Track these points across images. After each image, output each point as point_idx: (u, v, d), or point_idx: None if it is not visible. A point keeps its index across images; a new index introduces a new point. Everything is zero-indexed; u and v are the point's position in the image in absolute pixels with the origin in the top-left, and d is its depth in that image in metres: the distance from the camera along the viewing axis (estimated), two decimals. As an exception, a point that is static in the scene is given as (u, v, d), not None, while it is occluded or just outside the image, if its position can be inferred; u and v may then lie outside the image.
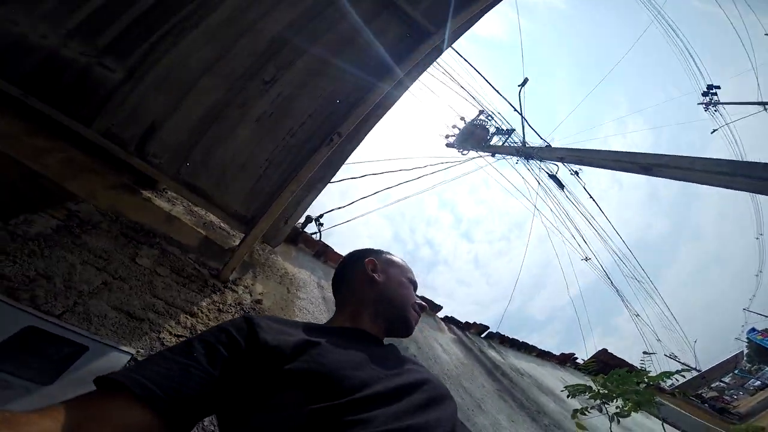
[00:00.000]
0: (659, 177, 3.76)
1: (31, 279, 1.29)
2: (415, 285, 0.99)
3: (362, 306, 0.88)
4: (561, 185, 5.89)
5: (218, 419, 0.65)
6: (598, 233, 6.44)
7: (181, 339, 1.60)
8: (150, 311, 1.61)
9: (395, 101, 2.65)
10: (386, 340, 0.89)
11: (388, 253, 1.03)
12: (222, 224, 2.94)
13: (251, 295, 2.43)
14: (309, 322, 0.90)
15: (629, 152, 3.94)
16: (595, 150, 4.38)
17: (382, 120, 2.74)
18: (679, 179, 3.58)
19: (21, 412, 0.40)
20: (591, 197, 5.89)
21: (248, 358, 0.61)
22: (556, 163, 5.39)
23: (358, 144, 2.85)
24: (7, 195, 1.55)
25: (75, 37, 2.01)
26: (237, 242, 2.82)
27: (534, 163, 5.94)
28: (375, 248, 1.04)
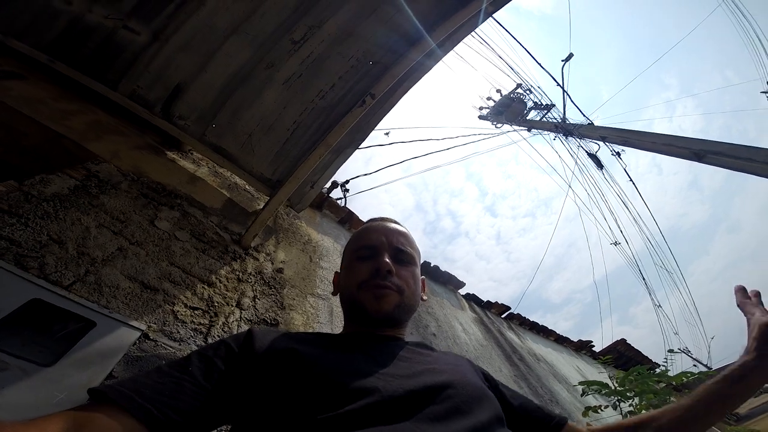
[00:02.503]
0: (711, 165, 3.40)
1: (42, 244, 1.23)
2: (372, 248, 0.78)
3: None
4: (600, 165, 5.52)
5: None
6: (633, 217, 6.04)
7: (196, 312, 1.54)
8: (165, 280, 1.55)
9: (434, 65, 2.39)
10: (413, 336, 0.78)
11: (354, 234, 0.89)
12: (247, 186, 2.86)
13: (273, 264, 2.37)
14: (322, 332, 0.79)
15: (681, 137, 3.58)
16: (643, 131, 4.03)
17: (417, 84, 2.51)
18: (735, 170, 3.20)
19: (7, 423, 0.38)
20: (631, 180, 5.48)
21: (241, 368, 0.58)
22: (598, 142, 5.06)
23: (391, 108, 2.65)
24: (30, 158, 1.51)
25: (99, 1, 1.94)
26: (261, 205, 2.75)
27: (573, 141, 5.58)
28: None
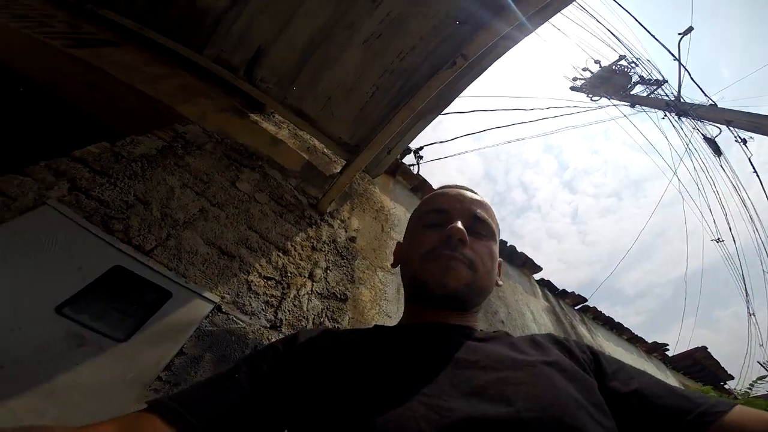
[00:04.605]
0: None
1: (128, 205, 1.19)
2: (444, 212, 0.62)
3: None
4: (719, 151, 4.53)
5: None
6: (749, 213, 4.99)
7: (269, 282, 1.47)
8: (242, 246, 1.48)
9: (537, 28, 1.94)
10: (488, 325, 0.58)
11: (423, 199, 0.71)
12: (325, 150, 2.73)
13: (346, 231, 2.25)
14: (377, 325, 0.60)
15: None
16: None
17: (513, 48, 2.08)
18: None
19: (60, 428, 0.42)
20: (755, 171, 4.45)
21: (286, 374, 0.50)
22: (720, 125, 4.11)
23: (480, 73, 2.27)
24: (125, 120, 1.52)
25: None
26: (338, 169, 2.62)
27: (686, 122, 4.59)
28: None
